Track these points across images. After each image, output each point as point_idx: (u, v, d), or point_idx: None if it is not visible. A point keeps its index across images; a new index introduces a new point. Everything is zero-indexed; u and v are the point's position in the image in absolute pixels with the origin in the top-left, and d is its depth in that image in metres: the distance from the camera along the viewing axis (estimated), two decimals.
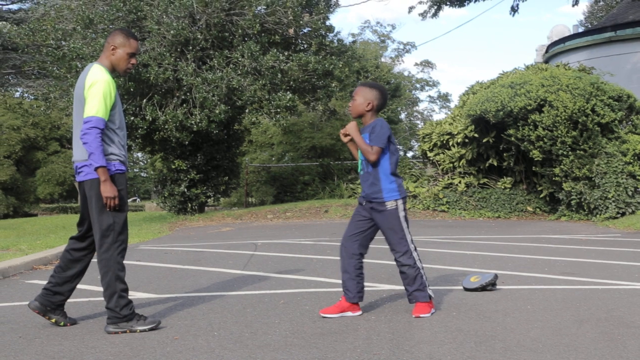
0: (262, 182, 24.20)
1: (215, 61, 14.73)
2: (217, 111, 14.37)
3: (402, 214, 4.72)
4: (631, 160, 13.47)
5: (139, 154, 39.08)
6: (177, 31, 14.17)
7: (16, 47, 20.27)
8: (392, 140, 4.72)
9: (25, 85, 33.36)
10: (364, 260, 4.89)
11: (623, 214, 13.22)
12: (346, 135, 4.79)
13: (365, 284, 6.03)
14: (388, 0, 43.66)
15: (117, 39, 4.57)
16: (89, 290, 5.93)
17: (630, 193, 13.22)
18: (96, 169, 4.30)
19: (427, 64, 61.35)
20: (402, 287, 5.83)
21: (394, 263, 7.40)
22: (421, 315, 4.70)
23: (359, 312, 4.80)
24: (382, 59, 50.86)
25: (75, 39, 14.67)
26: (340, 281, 4.91)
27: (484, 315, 4.68)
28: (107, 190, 4.32)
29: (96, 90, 4.35)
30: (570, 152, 13.41)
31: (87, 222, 4.60)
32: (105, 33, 14.31)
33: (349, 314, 4.75)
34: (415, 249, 4.79)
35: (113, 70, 4.61)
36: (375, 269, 6.86)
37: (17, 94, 36.63)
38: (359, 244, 4.81)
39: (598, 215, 13.35)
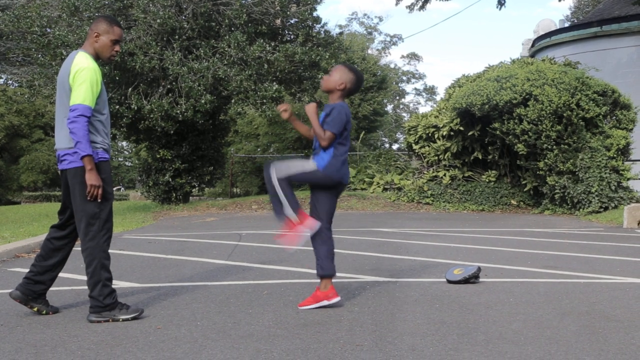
0: (247, 173, 24.19)
1: (202, 51, 14.65)
2: (202, 101, 14.30)
3: (319, 175, 4.64)
4: (615, 155, 13.57)
5: (124, 143, 38.88)
6: (164, 20, 14.08)
7: (0, 34, 20.05)
8: (347, 127, 4.65)
9: (10, 72, 32.94)
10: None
11: (606, 209, 13.31)
12: (285, 110, 4.71)
13: (349, 275, 6.05)
14: None
15: (101, 26, 4.52)
16: (71, 279, 5.90)
17: (613, 187, 13.31)
18: (82, 157, 4.26)
19: (413, 57, 61.46)
20: (386, 279, 5.85)
21: (378, 255, 7.42)
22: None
23: (338, 298, 4.70)
24: (369, 51, 50.83)
25: (60, 26, 14.54)
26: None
27: (467, 308, 4.70)
28: (92, 179, 4.28)
29: (83, 78, 4.30)
30: (554, 146, 13.49)
31: (68, 210, 4.56)
32: (91, 21, 14.17)
33: (325, 302, 4.65)
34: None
35: (97, 58, 4.56)
36: (359, 261, 6.87)
37: (1, 81, 36.25)
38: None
39: (581, 210, 13.45)
